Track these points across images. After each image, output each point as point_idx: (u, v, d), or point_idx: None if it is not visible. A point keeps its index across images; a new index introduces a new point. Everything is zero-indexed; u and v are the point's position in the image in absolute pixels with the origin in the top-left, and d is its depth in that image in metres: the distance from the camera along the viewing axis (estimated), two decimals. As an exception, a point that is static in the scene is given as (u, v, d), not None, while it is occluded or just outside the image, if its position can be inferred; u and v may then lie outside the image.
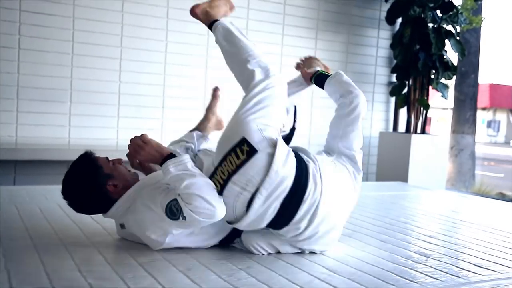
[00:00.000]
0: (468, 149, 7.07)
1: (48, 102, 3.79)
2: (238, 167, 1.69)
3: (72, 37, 3.83)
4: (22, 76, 3.69)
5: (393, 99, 5.20)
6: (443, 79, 4.87)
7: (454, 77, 5.07)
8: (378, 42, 5.19)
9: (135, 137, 1.77)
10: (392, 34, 5.17)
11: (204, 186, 1.69)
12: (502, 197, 6.75)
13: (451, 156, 6.94)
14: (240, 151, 1.70)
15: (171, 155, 1.72)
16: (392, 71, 5.05)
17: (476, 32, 6.88)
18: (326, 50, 4.88)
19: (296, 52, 4.70)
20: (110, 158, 1.89)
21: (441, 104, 18.26)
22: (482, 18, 5.42)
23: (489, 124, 26.77)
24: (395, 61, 4.98)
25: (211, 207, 1.66)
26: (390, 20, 4.99)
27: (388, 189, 3.88)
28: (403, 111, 5.15)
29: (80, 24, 3.84)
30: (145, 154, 1.74)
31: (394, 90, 4.99)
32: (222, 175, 1.71)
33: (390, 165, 4.86)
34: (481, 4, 6.36)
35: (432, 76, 4.85)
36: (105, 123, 4.00)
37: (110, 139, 4.03)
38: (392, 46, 4.98)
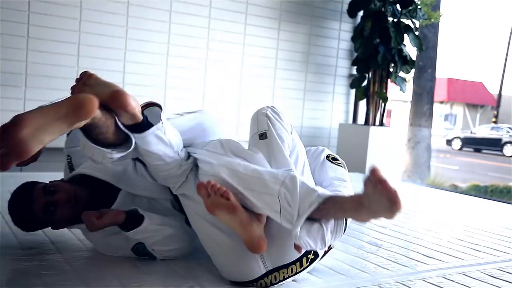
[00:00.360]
0: (424, 142, 7.27)
1: (1, 86, 3.67)
2: (297, 273, 1.55)
3: (28, 20, 3.71)
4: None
5: (353, 91, 5.28)
6: (401, 72, 4.97)
7: (412, 71, 5.18)
8: (340, 35, 5.24)
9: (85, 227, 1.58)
10: (353, 27, 5.23)
11: (171, 237, 1.64)
12: (454, 188, 6.99)
13: (408, 148, 7.13)
14: (305, 260, 1.54)
15: (127, 222, 1.59)
16: (353, 63, 5.12)
17: (434, 27, 7.05)
18: (289, 41, 4.90)
19: (259, 42, 4.71)
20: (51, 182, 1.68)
21: (401, 97, 18.69)
22: (440, 14, 5.56)
23: (446, 118, 27.56)
24: (355, 54, 5.05)
25: (182, 249, 1.69)
26: (352, 13, 5.05)
27: (346, 180, 3.94)
28: (362, 103, 5.23)
29: (36, 7, 3.72)
30: (102, 228, 1.59)
31: (354, 83, 5.07)
32: (273, 280, 1.52)
33: (349, 156, 4.92)
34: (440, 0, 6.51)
35: (391, 70, 4.94)
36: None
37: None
38: (353, 38, 5.04)
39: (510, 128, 18.29)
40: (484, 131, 19.07)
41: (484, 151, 17.71)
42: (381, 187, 1.20)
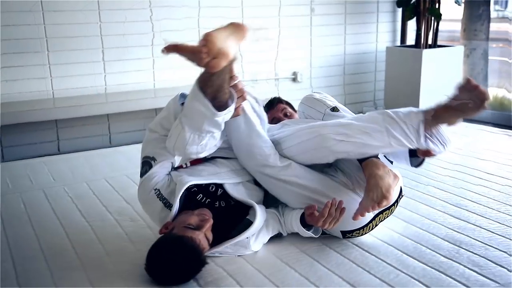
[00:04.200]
0: (480, 48, 6.62)
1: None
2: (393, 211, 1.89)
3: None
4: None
5: (400, 10, 4.73)
6: (456, -17, 4.36)
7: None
8: None
9: None
10: None
11: None
12: None
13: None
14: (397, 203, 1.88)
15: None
16: (399, -23, 4.52)
17: None
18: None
19: None
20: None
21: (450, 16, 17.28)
22: None
23: (496, 2, 25.62)
24: (401, -34, 4.43)
25: None
26: None
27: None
28: (411, 23, 4.70)
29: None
30: None
31: (401, 0, 4.50)
32: (377, 222, 1.83)
33: (400, 82, 4.52)
34: None
35: (444, -19, 4.33)
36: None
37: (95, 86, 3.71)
38: None
39: None
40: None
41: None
42: (478, 92, 1.63)
